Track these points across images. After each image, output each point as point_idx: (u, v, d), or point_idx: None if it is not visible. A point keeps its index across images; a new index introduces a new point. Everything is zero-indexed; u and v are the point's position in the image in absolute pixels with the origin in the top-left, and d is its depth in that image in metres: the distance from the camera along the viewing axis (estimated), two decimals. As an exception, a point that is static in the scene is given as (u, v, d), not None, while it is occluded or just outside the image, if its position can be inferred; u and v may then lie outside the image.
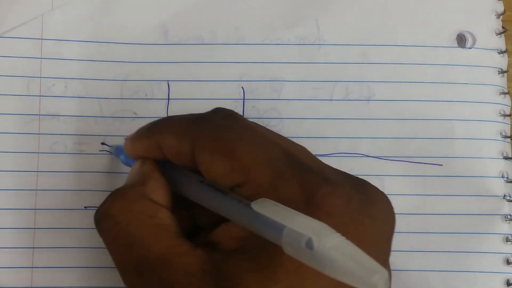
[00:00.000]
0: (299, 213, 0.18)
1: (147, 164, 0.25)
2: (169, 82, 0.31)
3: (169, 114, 0.31)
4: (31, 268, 0.29)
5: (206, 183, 0.22)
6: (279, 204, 0.19)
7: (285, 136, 0.31)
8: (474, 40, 0.32)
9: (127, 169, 0.30)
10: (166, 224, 0.22)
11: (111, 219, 0.23)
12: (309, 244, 0.17)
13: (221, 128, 0.22)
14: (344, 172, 0.23)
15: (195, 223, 0.25)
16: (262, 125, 0.30)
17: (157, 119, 0.25)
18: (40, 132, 0.30)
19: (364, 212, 0.21)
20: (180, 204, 0.24)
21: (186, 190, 0.24)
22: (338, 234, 0.17)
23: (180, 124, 0.23)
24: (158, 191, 0.23)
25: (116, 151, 0.29)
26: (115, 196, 0.23)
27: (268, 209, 0.19)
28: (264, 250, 0.19)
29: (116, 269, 0.23)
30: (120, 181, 0.30)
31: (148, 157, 0.25)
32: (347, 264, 0.16)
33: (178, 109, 0.31)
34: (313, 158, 0.24)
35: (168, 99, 0.31)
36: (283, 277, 0.19)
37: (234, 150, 0.21)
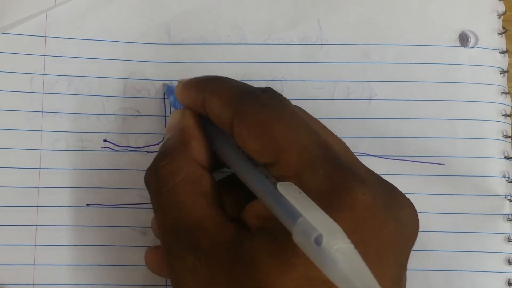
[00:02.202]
0: (319, 208, 0.19)
1: (188, 117, 0.25)
2: (172, 81, 0.31)
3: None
4: (33, 266, 0.29)
5: (242, 150, 0.23)
6: (304, 194, 0.19)
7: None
8: (477, 40, 0.32)
9: (128, 165, 0.30)
10: (207, 192, 0.23)
11: (159, 180, 0.24)
12: (317, 240, 0.17)
13: (265, 106, 0.23)
14: (376, 174, 0.23)
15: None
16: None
17: (213, 75, 0.26)
18: (42, 129, 0.30)
19: (389, 213, 0.21)
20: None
21: (221, 151, 0.25)
22: (348, 241, 0.17)
23: (228, 91, 0.24)
24: (201, 152, 0.24)
25: (167, 90, 0.30)
26: (164, 157, 0.24)
27: (291, 194, 0.19)
28: (285, 234, 0.19)
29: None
30: (122, 178, 0.30)
31: (192, 108, 0.26)
32: (347, 271, 0.16)
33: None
34: (349, 153, 0.24)
35: (171, 98, 0.31)
36: (300, 263, 0.19)
37: (271, 130, 0.22)
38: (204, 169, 0.24)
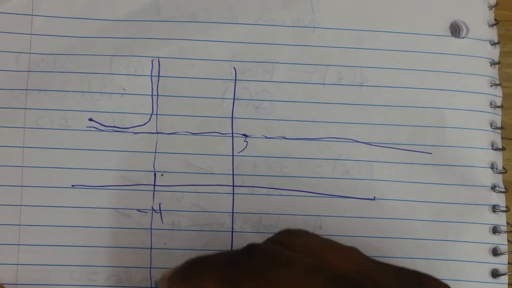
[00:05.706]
0: None
1: None
2: (159, 59, 0.31)
3: (158, 92, 0.31)
4: (17, 246, 0.29)
5: None
6: None
7: (275, 119, 0.30)
8: (468, 30, 0.32)
9: (114, 146, 0.30)
10: None
11: None
12: None
13: (259, 272, 0.22)
14: (401, 270, 0.22)
15: None
16: (253, 107, 0.31)
17: (189, 260, 0.24)
18: (26, 107, 0.30)
19: None
20: None
21: None
22: None
23: (216, 270, 0.22)
24: None
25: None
26: None
27: None
28: None
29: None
30: (107, 159, 0.30)
31: None
32: None
33: (168, 87, 0.30)
34: (362, 262, 0.23)
35: (159, 76, 0.31)
36: None
37: None
38: None
